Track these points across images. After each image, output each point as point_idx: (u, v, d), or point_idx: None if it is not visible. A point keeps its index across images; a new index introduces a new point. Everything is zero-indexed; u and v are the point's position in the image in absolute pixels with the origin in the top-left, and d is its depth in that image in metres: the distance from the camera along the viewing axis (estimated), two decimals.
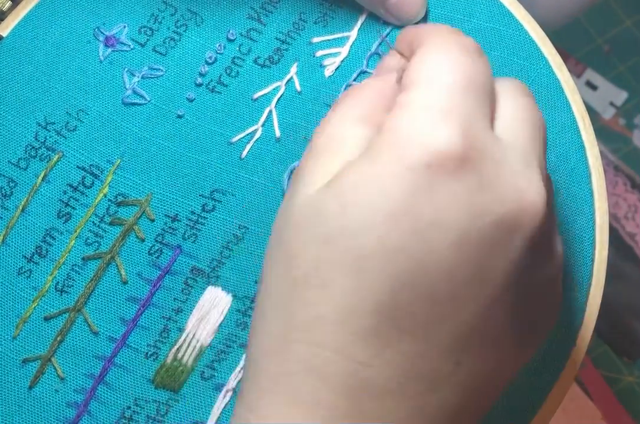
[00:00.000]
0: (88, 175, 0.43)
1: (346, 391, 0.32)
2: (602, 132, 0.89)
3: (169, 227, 0.43)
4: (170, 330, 0.43)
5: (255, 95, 0.44)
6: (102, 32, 0.44)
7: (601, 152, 0.89)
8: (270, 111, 0.43)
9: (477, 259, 0.32)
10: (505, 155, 0.33)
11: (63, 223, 0.43)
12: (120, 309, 0.43)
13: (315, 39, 0.44)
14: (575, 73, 0.90)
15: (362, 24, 0.44)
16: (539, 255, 0.34)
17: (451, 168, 0.32)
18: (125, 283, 0.43)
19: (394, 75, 0.37)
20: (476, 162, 0.32)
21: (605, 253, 0.44)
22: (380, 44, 0.44)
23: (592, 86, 0.90)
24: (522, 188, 0.33)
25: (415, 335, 0.32)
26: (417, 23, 0.43)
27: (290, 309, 0.33)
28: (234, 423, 0.35)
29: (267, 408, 0.33)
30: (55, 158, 0.43)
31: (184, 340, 0.43)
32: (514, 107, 0.35)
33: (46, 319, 0.43)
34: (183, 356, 0.42)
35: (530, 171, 0.33)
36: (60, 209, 0.43)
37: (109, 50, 0.44)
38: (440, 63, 0.34)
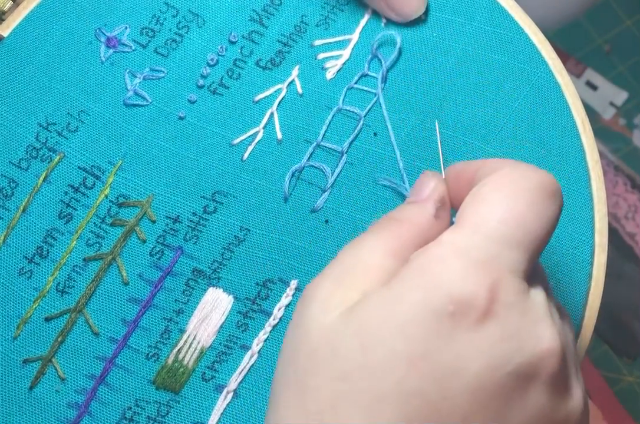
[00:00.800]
0: (89, 176, 0.43)
1: None
2: (602, 132, 0.90)
3: (171, 228, 0.43)
4: (171, 331, 0.43)
5: (257, 97, 0.44)
6: (103, 33, 0.44)
7: (601, 152, 0.89)
8: (272, 113, 0.44)
9: (494, 406, 0.32)
10: (530, 307, 0.33)
11: (64, 223, 0.43)
12: (121, 310, 0.43)
13: (317, 42, 0.44)
14: (575, 73, 0.90)
15: (363, 27, 0.44)
16: (556, 396, 0.33)
17: (474, 318, 0.32)
18: (126, 284, 0.43)
19: (432, 207, 0.36)
20: (500, 313, 0.32)
21: (604, 256, 0.44)
22: (376, 48, 0.44)
23: (592, 86, 0.90)
24: (541, 336, 0.33)
25: None
26: (416, 20, 0.43)
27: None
28: None
29: None
30: (56, 159, 0.43)
31: (185, 341, 0.43)
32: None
33: (47, 320, 0.43)
34: (184, 357, 0.43)
35: (549, 316, 0.33)
36: (61, 210, 0.43)
37: (111, 51, 0.44)
38: (495, 209, 0.34)
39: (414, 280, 0.33)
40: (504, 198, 0.34)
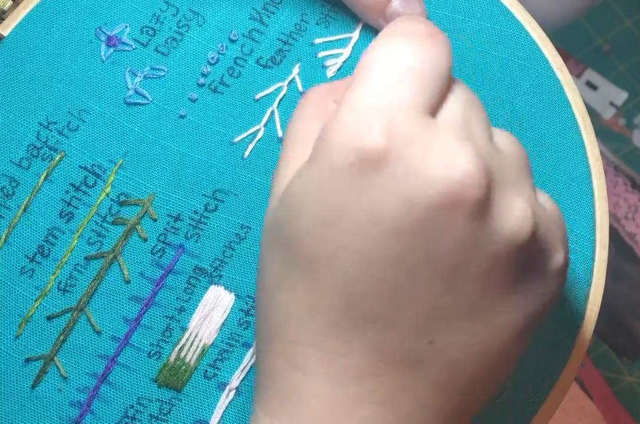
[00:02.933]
0: (90, 174, 0.43)
1: (326, 379, 0.34)
2: (602, 132, 0.90)
3: (172, 227, 0.43)
4: (173, 329, 0.43)
5: (258, 96, 0.44)
6: (104, 32, 0.44)
7: (601, 152, 0.89)
8: (273, 111, 0.44)
9: (421, 243, 0.33)
10: (435, 138, 0.33)
11: (65, 222, 0.43)
12: (123, 308, 0.43)
13: (318, 40, 0.44)
14: (575, 73, 0.90)
15: (364, 25, 0.44)
16: (483, 223, 0.33)
17: (373, 163, 0.33)
18: (128, 282, 0.43)
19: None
20: (400, 151, 0.33)
21: (605, 253, 0.44)
22: None
23: (592, 86, 0.91)
24: (452, 164, 0.33)
25: (379, 323, 0.33)
26: None
27: (268, 311, 0.35)
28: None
29: (264, 402, 0.35)
30: (57, 158, 0.43)
31: (187, 339, 0.43)
32: (458, 91, 0.36)
33: (49, 318, 0.43)
34: (186, 355, 0.43)
35: (463, 146, 0.33)
36: (62, 208, 0.43)
37: (111, 50, 0.44)
38: (375, 58, 0.35)
39: (320, 145, 0.34)
40: (383, 46, 0.35)
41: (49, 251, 0.43)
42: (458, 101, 0.35)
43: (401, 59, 0.35)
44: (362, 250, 0.33)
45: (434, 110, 0.35)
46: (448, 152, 0.33)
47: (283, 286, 0.35)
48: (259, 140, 0.43)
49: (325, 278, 0.33)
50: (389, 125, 0.33)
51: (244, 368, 0.42)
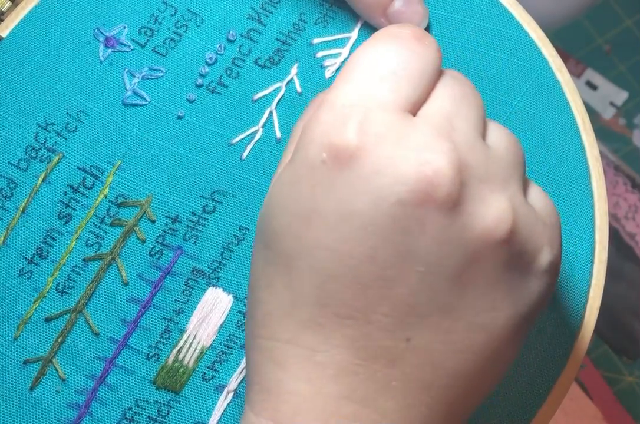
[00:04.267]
0: (88, 176, 0.43)
1: (306, 376, 0.34)
2: (602, 132, 0.90)
3: (170, 228, 0.43)
4: (171, 331, 0.43)
5: (256, 96, 0.44)
6: (102, 33, 0.44)
7: (601, 152, 0.89)
8: (271, 112, 0.43)
9: (393, 240, 0.33)
10: (410, 134, 0.33)
11: (63, 224, 0.43)
12: (121, 310, 0.43)
13: (316, 40, 0.44)
14: (576, 73, 0.90)
15: (362, 25, 0.44)
16: (457, 217, 0.33)
17: (345, 160, 0.33)
18: (126, 284, 0.43)
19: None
20: (370, 148, 0.33)
21: (604, 254, 0.44)
22: None
23: (592, 86, 0.91)
24: (425, 161, 0.33)
25: (355, 319, 0.33)
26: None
27: (252, 308, 0.36)
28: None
29: (251, 398, 0.36)
30: (55, 159, 0.43)
31: (185, 341, 0.43)
32: (446, 86, 0.36)
33: (47, 320, 0.43)
34: (184, 357, 0.42)
35: (437, 141, 0.33)
36: (60, 210, 0.43)
37: (109, 50, 0.44)
38: (359, 59, 0.35)
39: (299, 144, 0.34)
40: (364, 49, 0.35)
41: (47, 253, 0.43)
42: (444, 96, 0.35)
43: (384, 59, 0.35)
44: (335, 247, 0.33)
45: (416, 108, 0.35)
46: (421, 147, 0.33)
47: (264, 283, 0.35)
48: (257, 141, 0.43)
49: (301, 274, 0.34)
50: (363, 122, 0.33)
51: (242, 370, 0.42)
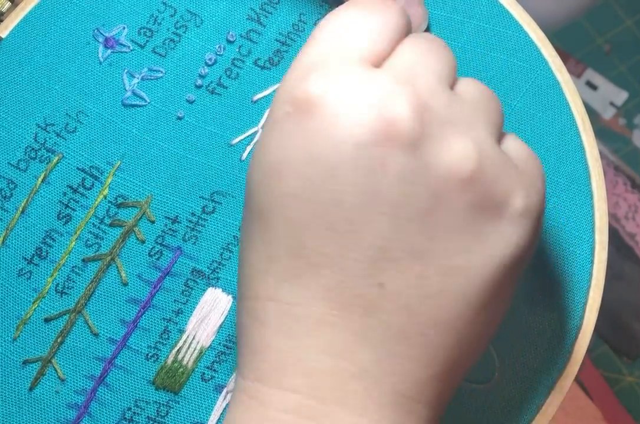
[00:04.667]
0: (88, 176, 0.43)
1: (285, 332, 0.34)
2: (602, 132, 0.90)
3: (169, 229, 0.43)
4: (170, 332, 0.43)
5: (255, 97, 0.44)
6: (101, 33, 0.44)
7: (601, 152, 0.89)
8: None
9: (357, 182, 0.33)
10: (371, 82, 0.34)
11: (63, 224, 0.43)
12: (120, 310, 0.43)
13: None
14: (575, 73, 0.90)
15: None
16: (421, 161, 0.34)
17: (307, 109, 0.34)
18: (125, 284, 0.43)
19: None
20: (331, 97, 0.34)
21: (604, 254, 0.44)
22: None
23: (592, 86, 0.91)
24: (384, 105, 0.33)
25: (329, 267, 0.34)
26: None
27: (239, 270, 0.36)
28: None
29: (239, 362, 0.36)
30: (55, 160, 0.43)
31: (185, 341, 0.43)
32: (411, 40, 0.36)
33: (46, 320, 0.43)
34: (183, 357, 0.43)
35: (397, 87, 0.34)
36: (60, 211, 0.43)
37: (109, 51, 0.44)
38: (325, 22, 0.36)
39: (274, 98, 0.36)
40: (332, 13, 0.37)
41: (47, 254, 0.43)
42: (406, 49, 0.36)
43: (347, 19, 0.36)
44: (302, 194, 0.34)
45: (379, 62, 0.35)
46: (380, 92, 0.34)
47: (246, 243, 0.36)
48: (256, 141, 0.43)
49: (275, 226, 0.34)
50: (323, 75, 0.34)
51: None
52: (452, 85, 0.36)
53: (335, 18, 0.36)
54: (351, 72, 0.34)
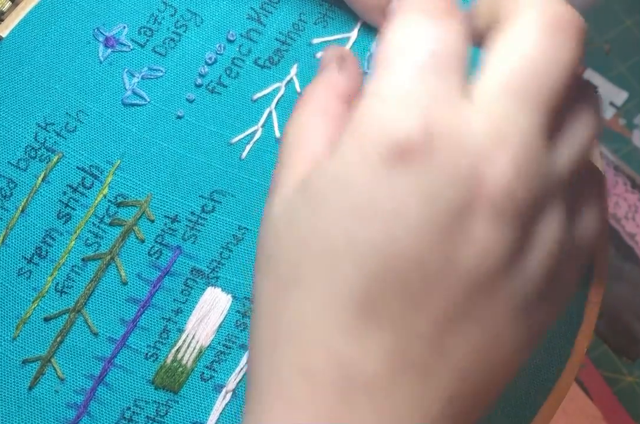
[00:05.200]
0: (88, 175, 0.43)
1: (336, 389, 0.32)
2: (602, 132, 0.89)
3: (169, 228, 0.43)
4: (170, 331, 0.43)
5: (255, 96, 0.44)
6: (101, 33, 0.44)
7: (601, 152, 0.89)
8: (271, 112, 0.44)
9: (441, 245, 0.31)
10: (470, 133, 0.31)
11: (63, 223, 0.43)
12: (120, 310, 0.43)
13: (316, 40, 0.44)
14: None
15: (362, 25, 0.44)
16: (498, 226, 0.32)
17: (406, 154, 0.31)
18: (125, 283, 0.43)
19: (333, 65, 0.37)
20: (433, 147, 0.31)
21: (605, 254, 0.44)
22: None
23: None
24: (479, 171, 0.31)
25: (394, 324, 0.32)
26: None
27: (276, 311, 0.33)
28: None
29: (266, 413, 0.33)
30: (55, 159, 0.43)
31: (184, 340, 0.43)
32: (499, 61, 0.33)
33: (46, 320, 0.43)
34: (183, 357, 0.42)
35: (500, 149, 0.31)
36: (60, 210, 0.43)
37: (109, 50, 0.44)
38: (394, 43, 0.33)
39: (347, 135, 0.32)
40: (400, 28, 0.33)
41: (47, 253, 0.43)
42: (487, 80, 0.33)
43: (422, 42, 0.32)
44: (384, 247, 0.31)
45: (466, 91, 0.32)
46: (478, 154, 0.31)
47: (296, 284, 0.33)
48: (256, 141, 0.43)
49: (344, 272, 0.32)
50: (426, 114, 0.31)
51: (241, 370, 0.42)
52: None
53: (405, 38, 0.32)
54: (454, 114, 0.31)
